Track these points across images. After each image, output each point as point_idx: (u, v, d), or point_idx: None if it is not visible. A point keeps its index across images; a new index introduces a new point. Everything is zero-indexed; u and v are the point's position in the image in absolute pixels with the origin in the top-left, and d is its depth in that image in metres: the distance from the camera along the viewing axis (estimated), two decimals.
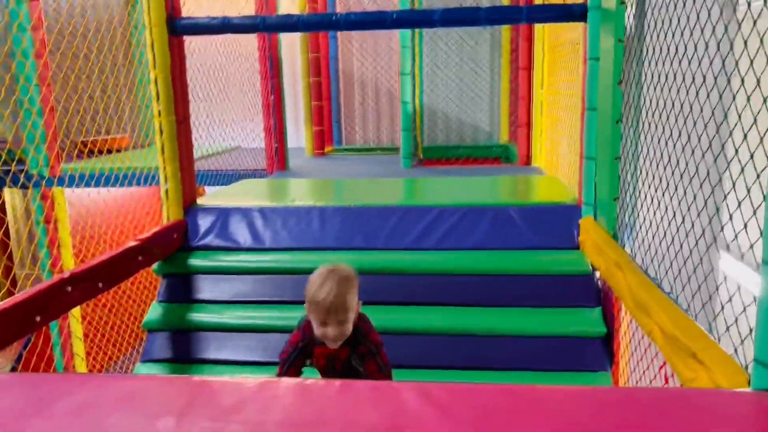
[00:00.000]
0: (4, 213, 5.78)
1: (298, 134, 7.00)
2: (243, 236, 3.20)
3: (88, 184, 4.78)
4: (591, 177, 2.96)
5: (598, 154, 2.84)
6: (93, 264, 2.49)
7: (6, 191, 5.49)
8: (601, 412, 1.29)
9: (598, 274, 2.94)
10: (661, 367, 2.19)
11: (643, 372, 2.52)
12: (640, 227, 2.62)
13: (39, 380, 1.42)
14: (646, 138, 2.51)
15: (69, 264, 4.95)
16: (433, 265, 2.98)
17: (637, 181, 2.71)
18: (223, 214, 3.28)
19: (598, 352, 2.73)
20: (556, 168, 4.30)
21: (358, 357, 2.01)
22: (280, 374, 2.05)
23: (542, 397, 1.33)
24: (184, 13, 3.30)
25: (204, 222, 3.26)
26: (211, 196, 3.70)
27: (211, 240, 3.21)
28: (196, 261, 3.13)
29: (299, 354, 2.08)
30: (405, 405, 1.20)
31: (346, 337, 1.96)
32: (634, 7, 2.61)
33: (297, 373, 2.07)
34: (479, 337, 2.81)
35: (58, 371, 4.70)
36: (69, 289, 2.32)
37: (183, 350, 2.94)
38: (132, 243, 2.80)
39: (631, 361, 2.70)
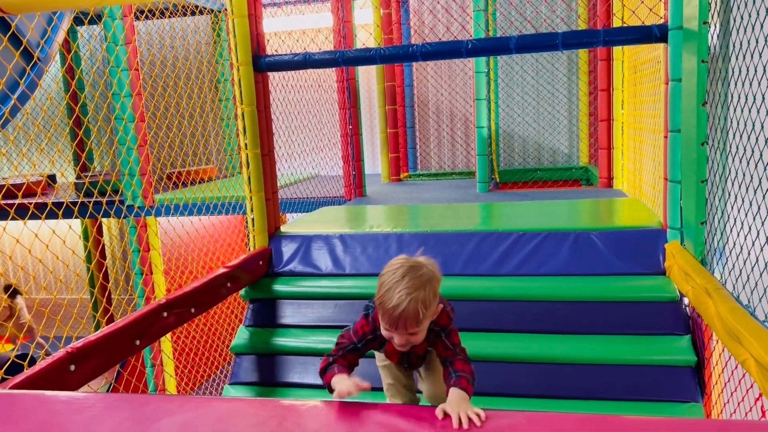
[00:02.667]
0: (101, 237, 6.19)
1: (375, 161, 7.15)
2: (324, 262, 3.30)
3: (180, 213, 5.07)
4: (676, 200, 2.88)
5: (683, 176, 2.77)
6: (186, 291, 2.64)
7: (104, 219, 5.89)
8: None
9: (686, 300, 2.84)
10: (756, 400, 2.08)
11: (738, 404, 2.40)
12: (730, 252, 2.52)
13: (143, 401, 1.53)
14: (734, 160, 2.42)
15: (161, 286, 5.25)
16: (512, 291, 2.97)
17: (726, 204, 2.61)
18: (305, 241, 3.39)
19: (689, 381, 2.63)
20: (639, 190, 4.19)
21: (437, 354, 1.86)
22: (335, 355, 1.85)
23: (630, 427, 1.31)
24: (268, 50, 3.48)
25: (287, 249, 3.39)
26: (294, 224, 3.83)
27: (294, 266, 3.33)
28: (280, 287, 3.25)
29: (364, 345, 1.88)
30: None
31: (417, 344, 1.77)
32: (717, 26, 2.55)
33: (355, 361, 1.89)
34: (562, 365, 2.76)
35: (150, 389, 4.96)
36: (165, 314, 2.47)
37: (268, 373, 3.04)
38: (221, 270, 2.95)
39: (724, 393, 2.57)
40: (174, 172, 5.97)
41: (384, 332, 1.75)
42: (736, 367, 2.35)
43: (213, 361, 6.00)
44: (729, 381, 2.52)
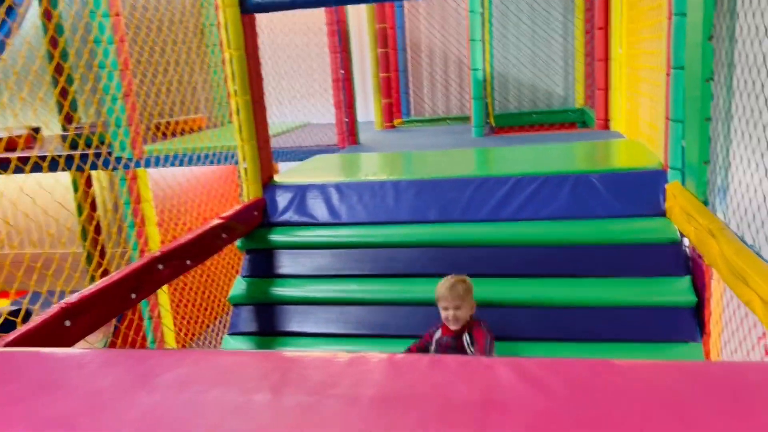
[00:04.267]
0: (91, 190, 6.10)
1: (367, 108, 7.01)
2: (320, 212, 3.24)
3: (170, 164, 4.97)
4: (678, 140, 2.82)
5: (686, 115, 2.70)
6: (181, 243, 2.59)
7: (93, 172, 5.78)
8: (699, 386, 1.24)
9: (686, 241, 2.81)
10: (760, 339, 2.08)
11: (739, 343, 2.41)
12: (735, 191, 2.48)
13: (141, 356, 1.50)
14: (741, 96, 2.35)
15: (155, 238, 5.19)
16: (512, 236, 2.93)
17: (731, 142, 2.55)
18: (300, 191, 3.33)
19: (689, 322, 2.63)
20: (637, 131, 4.12)
21: (470, 340, 2.51)
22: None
23: (638, 370, 1.29)
24: None
25: (282, 199, 3.33)
26: (287, 174, 3.76)
27: (289, 216, 3.27)
28: (276, 237, 3.20)
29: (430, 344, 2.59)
30: (497, 379, 1.19)
31: (462, 322, 2.50)
32: None
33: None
34: (563, 308, 2.75)
35: (149, 341, 4.97)
36: (160, 267, 2.42)
37: (267, 323, 3.03)
38: (216, 221, 2.89)
39: (724, 332, 2.58)
40: (162, 122, 5.83)
41: (443, 315, 2.53)
42: (738, 307, 2.35)
43: (212, 312, 6.01)
44: (730, 321, 2.52)
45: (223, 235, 2.92)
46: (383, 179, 3.30)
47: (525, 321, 2.75)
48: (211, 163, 5.22)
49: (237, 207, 3.11)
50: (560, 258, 2.86)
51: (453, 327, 2.50)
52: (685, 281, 2.69)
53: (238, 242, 3.18)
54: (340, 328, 2.92)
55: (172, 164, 5.05)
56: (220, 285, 5.92)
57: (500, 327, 2.74)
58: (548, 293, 2.78)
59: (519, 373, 1.20)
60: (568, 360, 1.26)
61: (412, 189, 3.18)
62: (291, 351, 1.39)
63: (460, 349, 2.48)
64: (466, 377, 1.21)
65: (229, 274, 5.90)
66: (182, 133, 5.99)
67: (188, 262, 2.61)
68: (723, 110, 2.57)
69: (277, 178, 3.54)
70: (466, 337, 2.50)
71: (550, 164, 3.45)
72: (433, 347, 2.55)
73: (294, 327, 2.98)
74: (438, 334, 2.56)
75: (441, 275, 2.90)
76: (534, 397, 1.14)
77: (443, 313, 2.52)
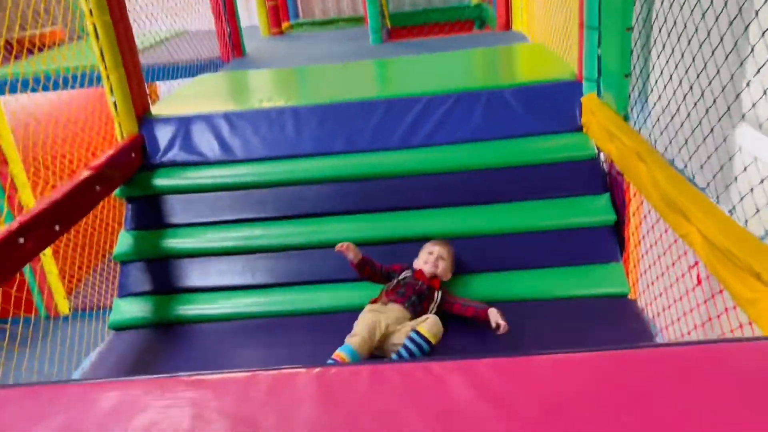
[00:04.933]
0: None
1: (250, 11, 6.36)
2: (210, 148, 2.86)
3: (30, 89, 4.24)
4: (593, 49, 2.64)
5: (603, 23, 2.50)
6: (44, 206, 2.17)
7: None
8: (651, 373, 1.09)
9: (603, 156, 2.72)
10: (691, 268, 2.03)
11: (654, 262, 2.38)
12: (654, 105, 2.36)
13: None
14: (662, 4, 2.18)
15: (20, 177, 4.53)
16: (426, 163, 2.71)
17: (649, 53, 2.40)
18: (184, 124, 2.91)
19: (609, 241, 2.58)
20: (542, 34, 3.92)
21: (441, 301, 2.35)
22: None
23: (595, 363, 1.14)
24: None
25: (164, 135, 2.90)
26: (167, 102, 3.29)
27: (174, 155, 2.86)
28: (161, 180, 2.81)
29: (389, 274, 2.43)
30: (452, 397, 0.99)
31: (439, 274, 2.40)
32: None
33: (370, 266, 2.43)
34: (481, 237, 2.61)
35: (40, 311, 4.48)
36: (21, 240, 2.01)
37: (162, 281, 2.70)
38: (85, 173, 2.46)
39: (642, 248, 2.54)
40: (12, 39, 4.96)
41: (424, 257, 2.43)
42: (657, 221, 2.29)
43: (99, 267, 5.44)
44: (647, 236, 2.48)
45: (97, 187, 2.50)
46: (280, 106, 2.93)
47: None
48: (81, 85, 4.53)
49: (108, 152, 2.66)
50: (476, 184, 2.69)
51: (429, 271, 2.37)
52: (604, 199, 2.62)
53: (116, 191, 2.76)
54: (248, 279, 2.65)
55: (33, 90, 4.30)
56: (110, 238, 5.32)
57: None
58: (466, 223, 2.62)
59: (474, 385, 1.01)
60: (521, 359, 1.08)
61: (314, 117, 2.85)
62: (198, 375, 1.13)
63: (427, 298, 2.31)
64: (414, 398, 1.00)
65: (112, 228, 5.27)
66: (41, 49, 5.16)
67: (57, 227, 2.21)
68: (641, 18, 2.40)
69: (154, 109, 3.08)
70: (437, 295, 2.33)
71: (460, 78, 3.20)
72: (398, 281, 2.36)
73: (194, 282, 2.68)
74: (408, 273, 2.39)
75: (354, 212, 2.69)
76: (496, 422, 0.95)
77: (426, 256, 2.41)
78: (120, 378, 1.15)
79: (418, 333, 2.07)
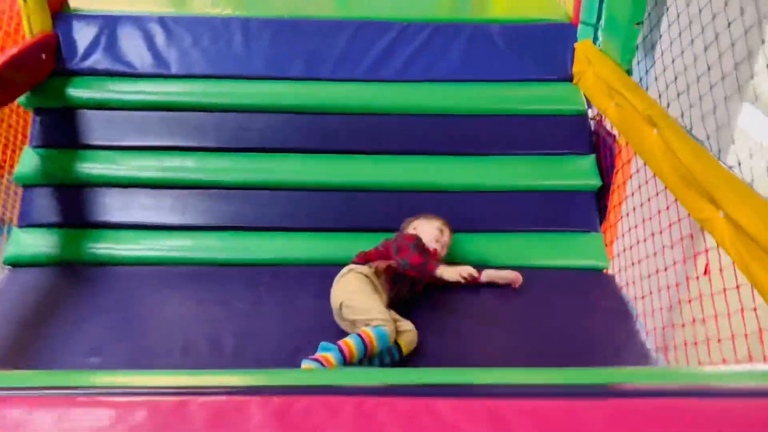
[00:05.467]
0: None
1: None
2: (140, 57, 2.38)
3: None
4: None
5: None
6: None
7: None
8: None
9: (590, 112, 2.44)
10: (697, 255, 1.80)
11: (646, 239, 2.16)
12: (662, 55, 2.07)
13: None
14: None
15: None
16: (396, 101, 2.35)
17: None
18: (109, 25, 2.41)
19: (590, 208, 2.33)
20: None
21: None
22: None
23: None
24: None
25: (83, 36, 2.39)
26: None
27: (96, 61, 2.37)
28: (78, 91, 2.33)
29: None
30: None
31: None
32: None
33: None
34: (450, 193, 2.31)
35: None
36: None
37: (75, 211, 2.27)
38: None
39: (636, 230, 2.29)
40: None
41: (434, 234, 2.07)
42: (657, 195, 2.05)
43: None
44: (633, 211, 2.24)
45: None
46: (228, 14, 2.47)
47: (404, 208, 2.27)
48: None
49: (12, 50, 2.16)
50: (450, 130, 2.37)
51: (439, 253, 2.05)
52: (589, 161, 2.36)
53: (20, 98, 2.27)
54: (177, 218, 2.26)
55: None
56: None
57: (377, 216, 2.27)
58: (436, 175, 2.31)
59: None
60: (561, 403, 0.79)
61: (267, 31, 2.41)
62: (102, 395, 0.79)
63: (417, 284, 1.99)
64: None
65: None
66: None
67: None
68: None
69: (74, 2, 2.54)
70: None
71: (441, 5, 2.82)
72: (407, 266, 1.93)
73: (112, 217, 2.26)
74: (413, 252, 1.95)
75: (308, 151, 2.32)
76: None
77: (437, 234, 2.06)
78: None
79: (398, 347, 1.75)
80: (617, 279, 2.22)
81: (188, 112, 2.34)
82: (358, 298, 1.78)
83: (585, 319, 1.95)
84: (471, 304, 1.99)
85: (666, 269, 2.03)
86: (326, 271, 2.10)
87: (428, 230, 2.06)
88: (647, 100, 1.86)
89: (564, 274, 2.19)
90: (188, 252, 2.21)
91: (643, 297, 2.15)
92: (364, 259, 1.95)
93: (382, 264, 1.90)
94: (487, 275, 2.05)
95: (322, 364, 1.57)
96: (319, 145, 2.30)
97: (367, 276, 1.86)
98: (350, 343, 1.64)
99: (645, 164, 1.86)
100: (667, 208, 1.95)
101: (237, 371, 0.97)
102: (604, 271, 2.25)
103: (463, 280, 1.94)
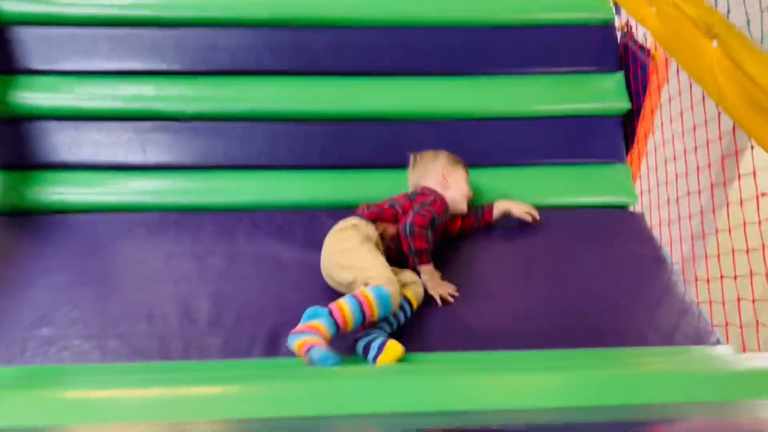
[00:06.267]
0: None
1: None
2: None
3: None
4: None
5: None
6: None
7: None
8: None
9: (618, 21, 2.09)
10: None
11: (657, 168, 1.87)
12: None
13: None
14: None
15: None
16: (387, 9, 1.98)
17: None
18: None
19: (616, 136, 2.03)
20: None
21: None
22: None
23: None
24: None
25: None
26: None
27: None
28: (8, 3, 1.93)
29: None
30: None
31: None
32: None
33: None
34: (455, 122, 1.99)
35: None
36: None
37: (13, 150, 1.92)
38: None
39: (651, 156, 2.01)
40: None
41: (464, 179, 1.77)
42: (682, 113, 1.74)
43: None
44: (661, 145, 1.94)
45: None
46: None
47: (407, 138, 1.96)
48: None
49: None
50: (454, 45, 2.01)
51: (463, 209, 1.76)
52: (616, 79, 2.03)
53: None
54: (136, 156, 1.92)
55: None
56: None
57: (373, 151, 1.95)
58: (439, 100, 1.98)
59: None
60: None
61: None
62: None
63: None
64: None
65: None
66: None
67: None
68: None
69: None
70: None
71: None
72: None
73: (58, 156, 1.91)
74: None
75: (287, 73, 1.97)
76: None
77: (466, 179, 1.77)
78: None
79: (409, 303, 1.48)
80: (647, 219, 1.95)
81: (144, 29, 1.95)
82: (353, 257, 1.49)
83: (614, 269, 1.68)
84: (483, 256, 1.72)
85: (703, 213, 1.76)
86: (314, 216, 1.84)
87: (460, 186, 1.74)
88: (702, 4, 1.51)
89: (587, 214, 1.91)
90: (151, 196, 1.89)
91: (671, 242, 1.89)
92: (373, 216, 1.61)
93: (391, 229, 1.59)
94: (501, 208, 1.78)
95: (313, 338, 1.29)
96: (300, 66, 1.95)
97: (369, 238, 1.55)
98: (344, 306, 1.35)
99: (691, 85, 1.54)
100: (719, 138, 1.64)
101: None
102: (631, 208, 1.97)
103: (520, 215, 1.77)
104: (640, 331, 1.47)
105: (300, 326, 1.33)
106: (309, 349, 1.25)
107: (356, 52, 1.97)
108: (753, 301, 1.51)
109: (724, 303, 1.59)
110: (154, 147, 1.93)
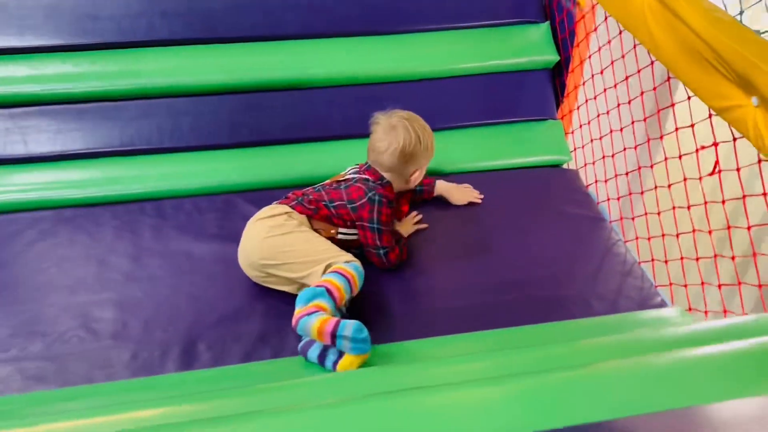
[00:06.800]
0: None
1: None
2: None
3: None
4: None
5: None
6: None
7: None
8: None
9: None
10: (702, 149, 1.43)
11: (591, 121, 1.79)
12: None
13: None
14: None
15: None
16: None
17: None
18: None
19: (545, 91, 1.93)
20: None
21: None
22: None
23: None
24: None
25: None
26: None
27: None
28: None
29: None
30: None
31: None
32: None
33: None
34: (372, 85, 1.83)
35: None
36: None
37: None
38: None
39: (581, 109, 1.93)
40: None
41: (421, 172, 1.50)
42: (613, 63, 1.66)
43: None
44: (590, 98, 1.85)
45: None
46: None
47: (324, 109, 1.79)
48: None
49: None
50: (371, 2, 1.84)
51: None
52: (542, 30, 1.91)
53: None
54: (17, 147, 1.68)
55: None
56: None
57: (288, 124, 1.78)
58: (354, 64, 1.81)
59: None
60: None
61: None
62: None
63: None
64: None
65: None
66: None
67: None
68: None
69: None
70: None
71: None
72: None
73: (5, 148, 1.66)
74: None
75: (183, 42, 1.76)
76: None
77: (421, 174, 1.49)
78: None
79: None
80: (582, 176, 1.87)
81: None
82: (302, 250, 1.33)
83: (552, 233, 1.60)
84: (427, 231, 1.60)
85: (640, 168, 1.69)
86: (228, 201, 1.66)
87: (419, 180, 1.52)
88: None
89: (520, 175, 1.82)
90: (38, 192, 1.66)
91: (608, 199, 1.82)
92: (307, 213, 1.40)
93: (330, 230, 1.42)
94: (440, 191, 1.67)
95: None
96: (198, 32, 1.73)
97: (305, 224, 1.39)
98: (337, 283, 1.25)
99: (621, 32, 1.44)
100: (653, 89, 1.56)
101: None
102: (565, 165, 1.89)
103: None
104: (585, 300, 1.40)
105: (305, 308, 1.21)
106: (336, 325, 1.15)
107: (261, 13, 1.77)
108: (697, 260, 1.45)
109: (666, 262, 1.53)
110: (36, 136, 1.68)
